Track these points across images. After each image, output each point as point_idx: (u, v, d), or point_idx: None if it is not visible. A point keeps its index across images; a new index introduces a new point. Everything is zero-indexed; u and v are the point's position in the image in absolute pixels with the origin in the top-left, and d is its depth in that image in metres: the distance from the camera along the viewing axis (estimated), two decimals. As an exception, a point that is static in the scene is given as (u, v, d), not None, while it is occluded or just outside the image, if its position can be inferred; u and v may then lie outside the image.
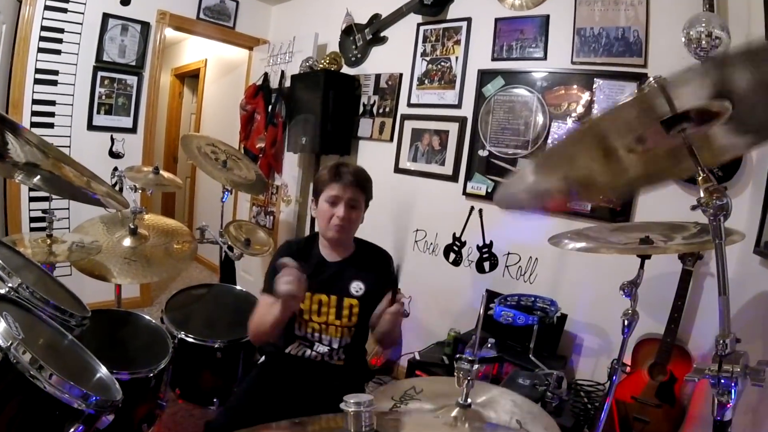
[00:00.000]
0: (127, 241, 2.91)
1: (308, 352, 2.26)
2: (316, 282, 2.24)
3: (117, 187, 3.43)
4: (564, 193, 1.57)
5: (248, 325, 2.20)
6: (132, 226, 2.93)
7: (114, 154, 4.67)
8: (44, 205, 2.64)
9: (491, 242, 3.56)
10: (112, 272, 2.73)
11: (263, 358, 2.46)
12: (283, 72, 5.01)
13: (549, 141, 3.26)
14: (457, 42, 3.80)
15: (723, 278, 1.04)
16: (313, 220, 4.28)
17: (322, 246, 2.34)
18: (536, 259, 3.34)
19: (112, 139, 4.65)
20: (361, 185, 2.23)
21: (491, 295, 3.19)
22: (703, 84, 1.02)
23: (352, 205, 2.20)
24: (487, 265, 3.58)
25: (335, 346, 2.25)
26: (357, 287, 2.25)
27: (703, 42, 2.40)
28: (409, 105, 4.14)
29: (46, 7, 4.09)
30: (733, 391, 0.99)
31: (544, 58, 3.33)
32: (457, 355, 1.27)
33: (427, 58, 4.01)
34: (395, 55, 4.26)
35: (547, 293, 3.12)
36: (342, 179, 2.18)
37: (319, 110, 4.23)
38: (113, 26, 4.47)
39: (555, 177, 1.46)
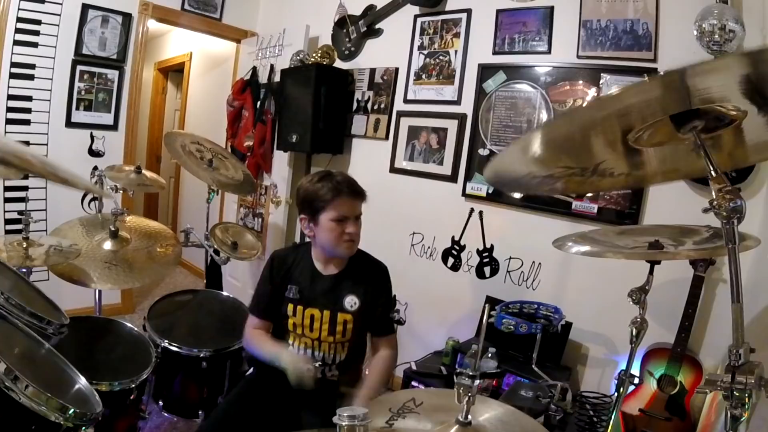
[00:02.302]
0: (108, 245, 2.91)
1: None
2: (308, 296, 2.26)
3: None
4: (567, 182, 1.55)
5: (245, 339, 2.39)
6: (112, 229, 2.92)
7: (94, 153, 4.65)
8: (20, 206, 2.63)
9: (492, 246, 3.56)
10: (91, 277, 2.73)
11: (251, 369, 2.46)
12: (272, 66, 5.01)
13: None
14: (457, 35, 3.80)
15: (736, 285, 1.04)
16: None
17: (316, 258, 2.34)
18: (539, 264, 3.34)
19: (92, 137, 4.63)
20: (361, 195, 2.24)
21: (492, 302, 3.19)
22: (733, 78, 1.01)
23: (357, 217, 2.23)
24: (487, 270, 3.58)
25: (329, 362, 2.26)
26: (351, 302, 2.26)
27: (716, 35, 2.41)
28: (406, 101, 4.14)
29: (23, -3, 4.08)
30: (747, 403, 0.99)
31: (548, 51, 3.33)
32: (458, 370, 1.26)
33: (425, 52, 4.01)
34: (391, 48, 4.26)
35: (550, 300, 3.12)
36: (344, 194, 2.17)
37: (311, 107, 4.22)
38: (93, 17, 4.45)
39: (561, 161, 1.43)
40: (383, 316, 2.36)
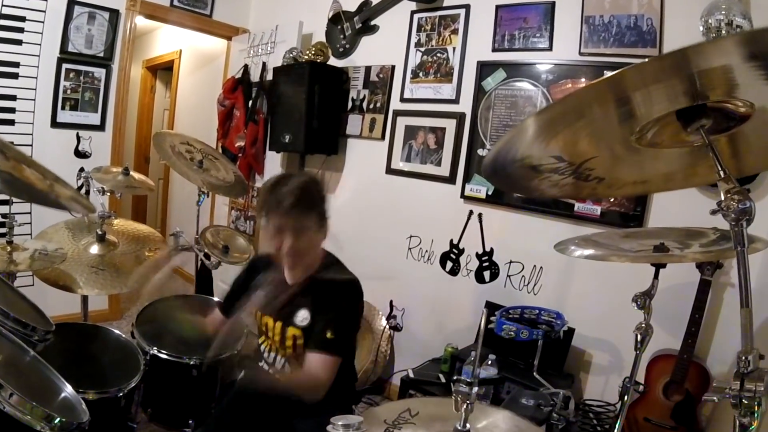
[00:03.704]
0: (95, 249, 2.90)
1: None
2: (265, 303, 2.23)
3: (83, 190, 3.40)
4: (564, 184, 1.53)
5: None
6: (99, 232, 2.91)
7: (80, 154, 4.64)
8: (4, 209, 2.62)
9: (492, 249, 3.56)
10: (77, 282, 2.72)
11: (243, 373, 2.45)
12: (264, 64, 5.01)
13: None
14: (455, 31, 3.80)
15: (745, 289, 1.04)
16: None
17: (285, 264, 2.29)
18: (541, 267, 3.34)
19: (78, 138, 4.62)
20: (282, 211, 2.04)
21: (492, 308, 3.19)
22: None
23: (279, 232, 2.07)
24: (487, 274, 3.58)
25: (287, 369, 2.24)
26: (303, 317, 2.16)
27: (723, 31, 2.41)
28: (402, 100, 4.14)
29: (6, -7, 4.06)
30: (756, 412, 0.99)
31: (550, 48, 3.33)
32: (455, 377, 1.26)
33: (422, 49, 4.01)
34: (387, 45, 4.26)
35: (552, 305, 3.12)
36: (262, 208, 2.15)
37: (304, 106, 4.21)
38: (79, 14, 4.44)
39: (560, 152, 1.39)
40: (321, 329, 2.08)
